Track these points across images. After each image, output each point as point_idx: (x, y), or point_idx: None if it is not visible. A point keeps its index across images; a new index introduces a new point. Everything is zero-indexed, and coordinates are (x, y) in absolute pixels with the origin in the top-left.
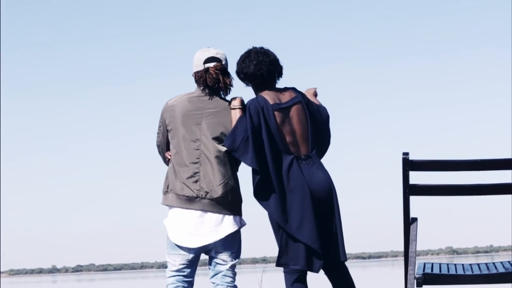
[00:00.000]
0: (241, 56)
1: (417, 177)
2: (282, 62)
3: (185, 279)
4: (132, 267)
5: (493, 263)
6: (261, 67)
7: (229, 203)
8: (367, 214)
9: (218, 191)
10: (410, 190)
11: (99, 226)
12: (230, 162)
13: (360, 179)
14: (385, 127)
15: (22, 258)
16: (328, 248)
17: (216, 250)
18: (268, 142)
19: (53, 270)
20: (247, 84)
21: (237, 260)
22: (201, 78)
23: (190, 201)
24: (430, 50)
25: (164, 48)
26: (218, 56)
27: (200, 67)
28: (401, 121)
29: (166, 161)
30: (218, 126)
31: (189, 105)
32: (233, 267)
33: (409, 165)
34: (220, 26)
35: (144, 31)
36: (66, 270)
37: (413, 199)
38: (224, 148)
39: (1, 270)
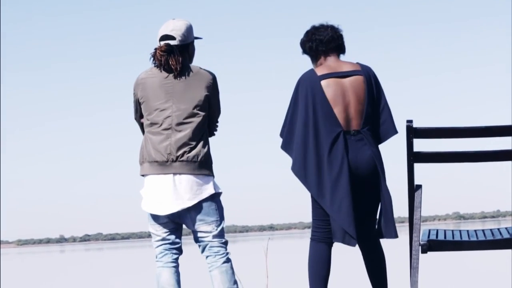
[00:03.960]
0: (311, 30)
1: (421, 145)
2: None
3: (172, 246)
4: (139, 235)
5: (498, 229)
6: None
7: (199, 165)
8: None
9: (188, 153)
10: (414, 157)
11: (107, 196)
12: (202, 127)
13: None
14: (388, 95)
15: (30, 228)
16: (362, 224)
17: (194, 222)
18: (312, 116)
19: (61, 240)
20: (314, 56)
21: (220, 227)
22: (153, 57)
23: (161, 166)
24: (432, 18)
25: (166, 17)
26: (172, 33)
27: (157, 44)
28: (405, 89)
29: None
30: (189, 90)
31: (159, 76)
32: (219, 236)
33: (413, 132)
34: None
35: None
36: (74, 239)
37: (418, 166)
38: (196, 113)
39: (10, 241)
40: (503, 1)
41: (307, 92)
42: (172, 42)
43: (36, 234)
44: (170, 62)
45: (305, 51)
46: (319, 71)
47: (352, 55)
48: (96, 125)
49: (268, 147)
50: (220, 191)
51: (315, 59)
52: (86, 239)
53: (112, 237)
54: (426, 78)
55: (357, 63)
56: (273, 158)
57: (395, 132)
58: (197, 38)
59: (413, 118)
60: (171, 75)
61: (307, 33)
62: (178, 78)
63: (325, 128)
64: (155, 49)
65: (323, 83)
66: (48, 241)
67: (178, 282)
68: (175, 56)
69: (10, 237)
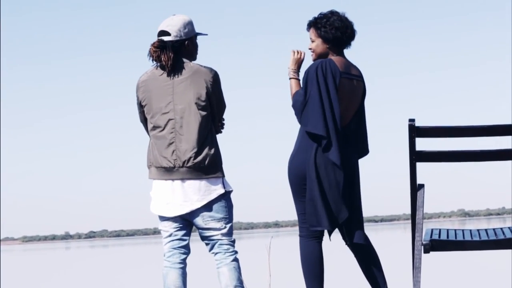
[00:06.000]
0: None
1: (424, 144)
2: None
3: (180, 244)
4: (145, 232)
5: (501, 228)
6: (348, 29)
7: (207, 169)
8: (379, 177)
9: (194, 159)
10: (416, 156)
11: (112, 192)
12: (205, 127)
13: (372, 142)
14: (390, 91)
15: (36, 225)
16: (349, 224)
17: (203, 219)
18: (326, 108)
19: (66, 237)
20: (329, 39)
21: (229, 225)
22: (149, 53)
23: (168, 171)
24: (432, 14)
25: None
26: (167, 29)
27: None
28: (406, 86)
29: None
30: (189, 91)
31: (160, 77)
32: (228, 234)
33: (415, 131)
34: None
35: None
36: (79, 236)
37: (422, 164)
38: (198, 113)
39: (15, 237)
40: None
41: (325, 82)
42: (166, 38)
43: (41, 231)
44: (162, 58)
45: (322, 33)
46: (340, 66)
47: (353, 51)
48: (102, 121)
49: (273, 143)
50: (230, 189)
51: (331, 47)
52: (91, 236)
53: (117, 234)
54: (429, 74)
55: (356, 67)
56: (278, 154)
57: (367, 152)
58: (200, 34)
59: (415, 115)
60: (170, 75)
61: (338, 19)
62: (174, 77)
63: (332, 125)
64: (151, 45)
65: (342, 81)
66: (53, 237)
67: (185, 283)
68: (167, 52)
69: (15, 234)
